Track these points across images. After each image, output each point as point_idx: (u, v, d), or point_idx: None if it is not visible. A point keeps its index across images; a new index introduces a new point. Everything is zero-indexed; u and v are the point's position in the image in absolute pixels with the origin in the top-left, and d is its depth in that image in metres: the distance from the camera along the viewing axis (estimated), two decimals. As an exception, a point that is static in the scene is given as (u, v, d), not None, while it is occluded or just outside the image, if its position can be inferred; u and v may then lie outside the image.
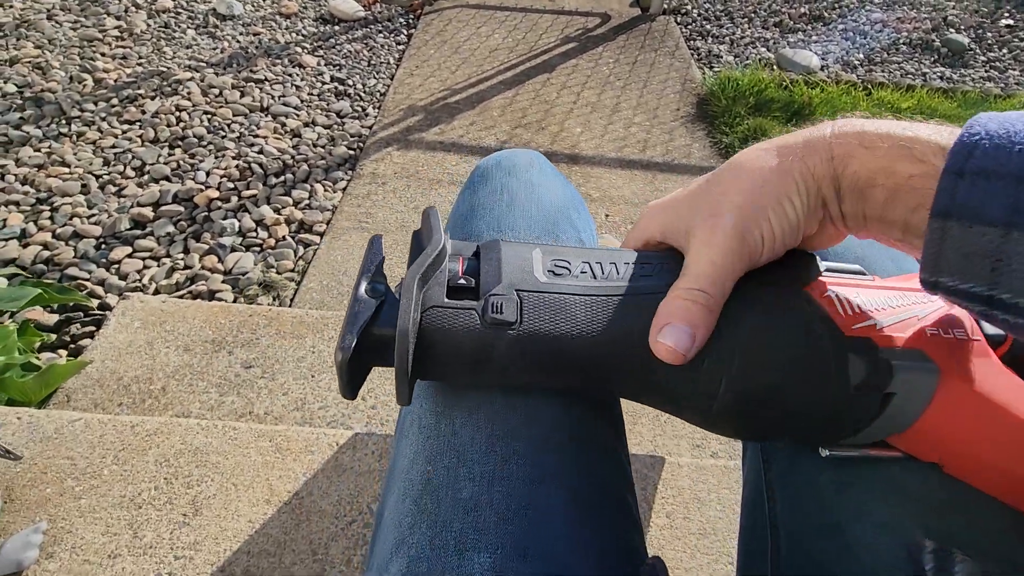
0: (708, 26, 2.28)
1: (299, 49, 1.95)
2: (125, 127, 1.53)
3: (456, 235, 0.40)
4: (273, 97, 1.70)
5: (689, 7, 2.39)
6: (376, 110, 1.74)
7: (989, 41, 2.24)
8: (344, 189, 1.44)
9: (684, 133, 1.69)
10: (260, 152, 1.48)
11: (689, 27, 2.28)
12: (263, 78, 1.77)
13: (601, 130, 1.68)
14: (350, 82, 1.83)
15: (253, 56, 1.88)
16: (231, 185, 1.38)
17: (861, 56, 2.11)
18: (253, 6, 2.21)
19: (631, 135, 1.67)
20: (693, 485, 0.64)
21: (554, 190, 0.44)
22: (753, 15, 2.35)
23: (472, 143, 1.61)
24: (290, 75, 1.81)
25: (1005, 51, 2.19)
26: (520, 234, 0.38)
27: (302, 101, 1.71)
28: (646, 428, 0.85)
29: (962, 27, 2.30)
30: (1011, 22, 2.35)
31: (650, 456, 0.68)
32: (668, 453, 0.83)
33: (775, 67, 2.02)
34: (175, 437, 0.63)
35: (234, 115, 1.61)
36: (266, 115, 1.63)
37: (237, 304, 1.10)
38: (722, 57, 2.09)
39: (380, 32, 2.14)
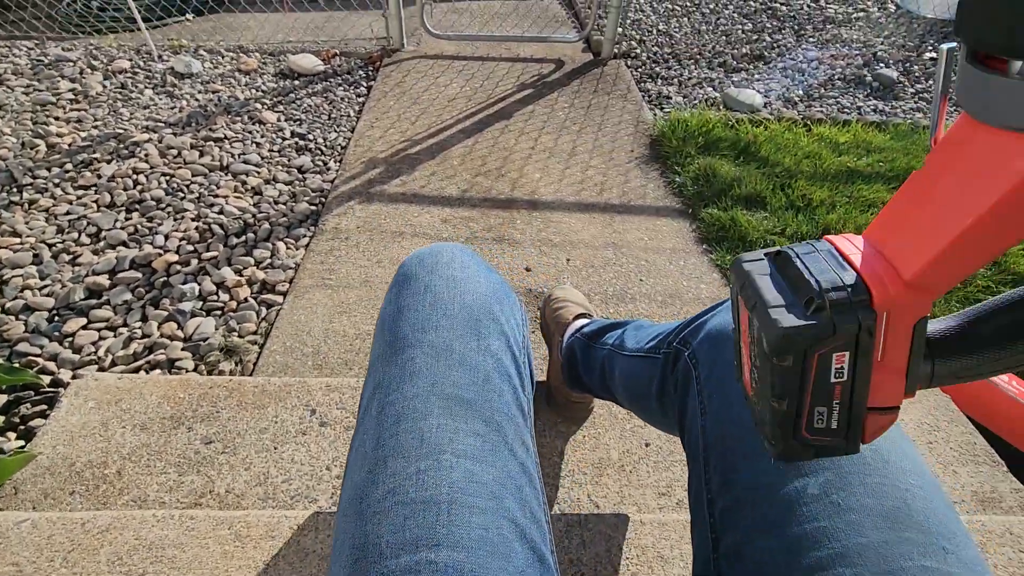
0: (657, 68, 2.39)
1: (259, 105, 1.97)
2: (80, 193, 1.51)
3: (384, 337, 0.42)
4: (233, 155, 1.71)
5: (639, 51, 2.50)
6: (337, 164, 1.76)
7: (916, 74, 2.40)
8: (307, 246, 1.44)
9: (639, 174, 1.76)
10: (220, 212, 1.48)
11: (639, 70, 2.38)
12: (223, 136, 1.78)
13: (559, 174, 1.73)
14: (311, 137, 1.85)
15: (212, 114, 1.90)
16: (191, 248, 1.37)
17: (801, 92, 2.24)
18: (212, 64, 2.23)
19: (588, 178, 1.73)
20: (656, 543, 0.65)
21: (477, 284, 0.45)
22: (699, 56, 2.48)
23: (434, 193, 1.63)
24: (250, 132, 1.83)
25: (931, 82, 2.34)
26: (443, 333, 0.40)
27: (263, 158, 1.72)
28: (612, 480, 0.86)
29: (891, 62, 2.46)
30: (935, 55, 2.53)
31: (614, 515, 0.69)
32: (634, 503, 0.84)
33: (722, 106, 2.12)
34: (128, 532, 0.62)
35: (193, 175, 1.61)
36: (226, 174, 1.63)
37: (196, 376, 1.08)
38: (672, 98, 2.19)
39: (340, 85, 2.18)
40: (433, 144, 1.86)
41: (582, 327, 0.88)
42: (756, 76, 2.35)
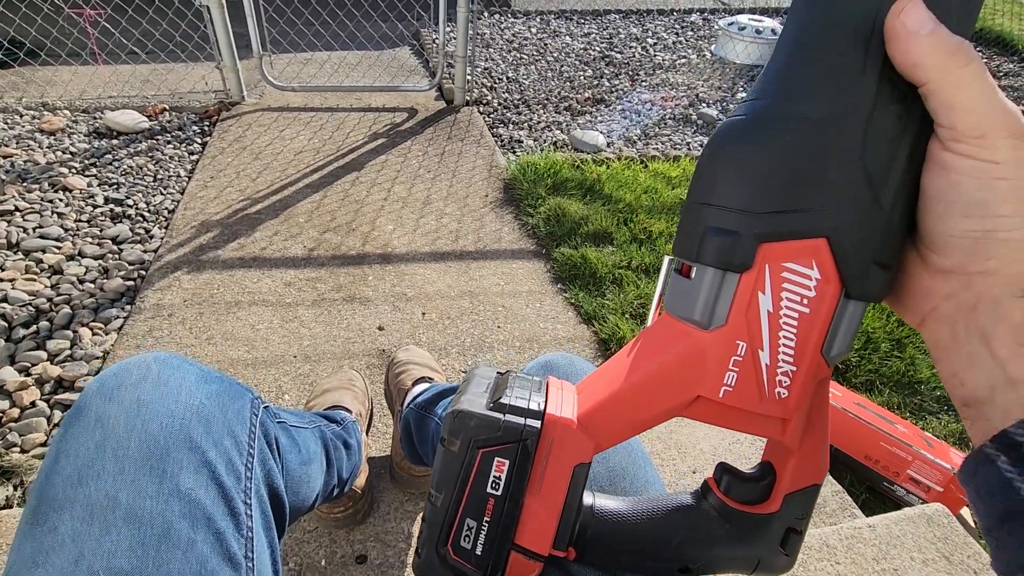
0: (508, 114, 2.48)
1: (64, 170, 1.74)
2: None
3: (29, 501, 0.34)
4: (26, 230, 1.47)
5: (490, 97, 2.58)
6: (163, 230, 1.58)
7: (732, 112, 2.72)
8: (119, 329, 1.26)
9: (494, 218, 1.78)
10: (3, 300, 1.25)
11: (491, 116, 2.45)
12: (12, 208, 1.53)
13: (413, 225, 1.70)
14: (130, 202, 1.65)
15: (1, 183, 1.63)
16: (-41, 348, 1.13)
17: (638, 132, 2.43)
18: (6, 123, 1.94)
19: (443, 226, 1.71)
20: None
21: (173, 405, 0.38)
22: (546, 101, 2.61)
23: (276, 255, 1.52)
24: (50, 201, 1.59)
25: (744, 119, 2.67)
26: (107, 482, 0.32)
27: (66, 230, 1.50)
28: None
29: (711, 102, 2.77)
30: (746, 95, 2.90)
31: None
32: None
33: (570, 148, 2.24)
34: None
35: (-31, 258, 1.35)
36: (15, 252, 1.40)
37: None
38: (523, 142, 2.27)
39: (169, 143, 1.99)
40: (276, 201, 1.74)
41: (417, 396, 0.83)
42: (599, 118, 2.52)
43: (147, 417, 0.36)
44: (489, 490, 0.28)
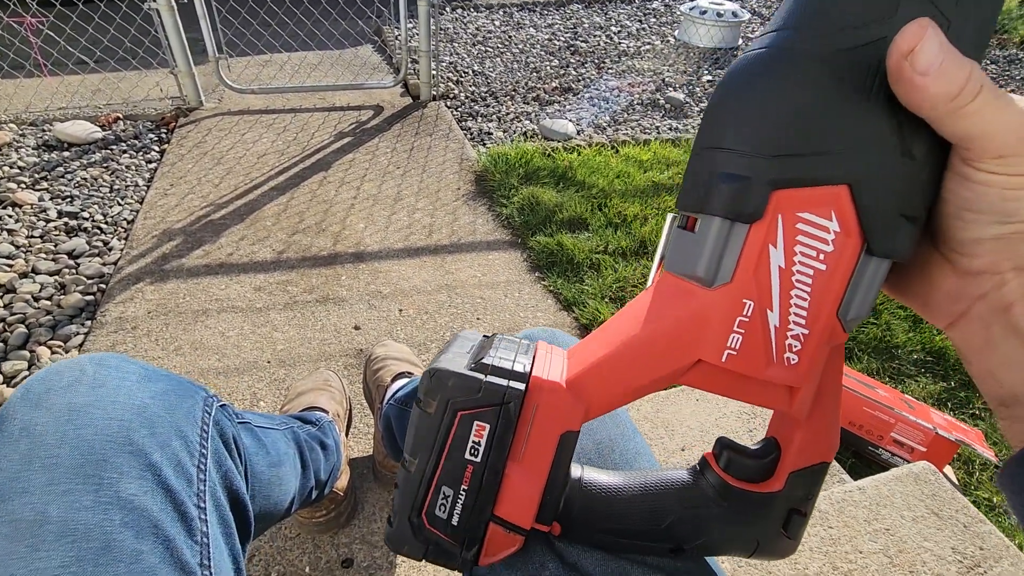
0: (476, 106, 2.45)
1: (13, 185, 1.65)
2: None
3: None
4: (-26, 249, 1.39)
5: (457, 91, 2.55)
6: (123, 242, 1.52)
7: (699, 94, 2.74)
8: (80, 346, 1.20)
9: (467, 211, 1.75)
10: (-48, 323, 1.18)
11: (459, 109, 2.42)
12: (-42, 228, 1.45)
13: (385, 222, 1.66)
14: (86, 214, 1.58)
15: (-56, 202, 1.55)
16: (-95, 376, 1.07)
17: (607, 118, 2.42)
18: (-54, 141, 1.84)
19: (416, 222, 1.68)
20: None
21: (111, 408, 0.34)
22: (514, 92, 2.59)
23: (243, 259, 1.47)
24: (-1, 218, 1.51)
25: (711, 101, 2.69)
26: (35, 496, 0.29)
27: (17, 247, 1.43)
28: None
29: (677, 86, 2.78)
30: (711, 78, 2.92)
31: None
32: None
33: (540, 137, 2.22)
34: None
35: (-88, 281, 1.28)
36: (-37, 273, 1.32)
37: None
38: (492, 134, 2.25)
39: (125, 152, 1.91)
40: (242, 206, 1.69)
41: (397, 391, 0.80)
42: (567, 107, 2.51)
43: (81, 423, 0.32)
44: (468, 456, 0.27)
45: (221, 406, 0.44)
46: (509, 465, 0.27)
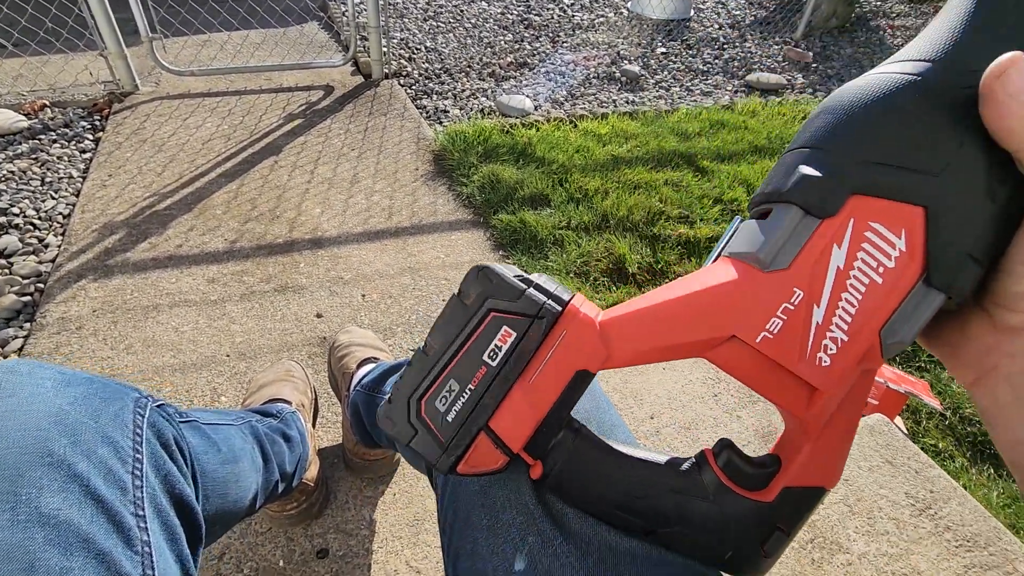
0: (431, 84, 2.39)
1: (-71, 181, 1.52)
2: None
3: None
4: None
5: (410, 69, 2.48)
6: (59, 238, 1.42)
7: (653, 67, 2.74)
8: (20, 350, 1.12)
9: (427, 191, 1.71)
10: None
11: (414, 87, 2.36)
12: None
13: (342, 206, 1.61)
14: (15, 210, 1.47)
15: None
16: None
17: (564, 93, 2.41)
18: None
19: (375, 204, 1.63)
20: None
21: (24, 417, 0.32)
22: (469, 69, 2.54)
23: (194, 251, 1.40)
24: (-84, 218, 1.39)
25: (666, 73, 2.70)
26: None
27: (-61, 249, 1.32)
28: (432, 535, 0.78)
29: (632, 58, 2.78)
30: (664, 50, 2.93)
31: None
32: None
33: (498, 114, 2.19)
34: None
35: None
36: None
37: None
38: (449, 111, 2.20)
39: (55, 142, 1.79)
40: (188, 194, 1.61)
41: (363, 377, 0.79)
42: (524, 82, 2.47)
43: None
44: (485, 358, 0.27)
45: (158, 406, 0.42)
46: (518, 383, 0.27)
